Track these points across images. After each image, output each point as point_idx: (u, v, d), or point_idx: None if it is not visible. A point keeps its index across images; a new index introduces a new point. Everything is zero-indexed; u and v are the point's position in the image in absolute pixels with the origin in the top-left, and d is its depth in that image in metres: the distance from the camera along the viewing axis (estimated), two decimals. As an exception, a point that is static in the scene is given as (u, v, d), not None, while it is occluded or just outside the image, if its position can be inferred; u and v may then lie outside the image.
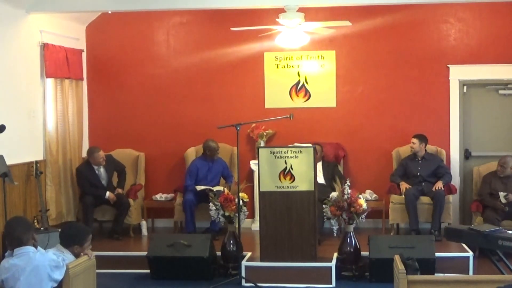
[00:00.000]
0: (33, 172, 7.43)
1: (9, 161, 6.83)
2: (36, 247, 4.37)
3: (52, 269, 4.31)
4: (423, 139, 8.11)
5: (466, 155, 8.66)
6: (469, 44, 8.54)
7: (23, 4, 7.39)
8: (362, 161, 8.69)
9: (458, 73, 8.54)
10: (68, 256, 4.59)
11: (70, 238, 4.68)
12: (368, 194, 8.31)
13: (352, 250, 6.82)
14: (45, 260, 4.30)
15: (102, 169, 8.15)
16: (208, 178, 8.20)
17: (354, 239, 6.83)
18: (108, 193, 8.01)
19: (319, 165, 8.08)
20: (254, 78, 8.80)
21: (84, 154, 8.41)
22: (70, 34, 8.54)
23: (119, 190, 8.19)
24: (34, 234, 4.41)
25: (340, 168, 8.58)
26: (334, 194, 6.98)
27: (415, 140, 8.08)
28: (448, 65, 8.53)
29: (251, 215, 8.25)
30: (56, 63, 7.92)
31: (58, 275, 4.33)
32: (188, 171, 8.29)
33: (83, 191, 8.08)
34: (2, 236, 4.49)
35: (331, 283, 6.62)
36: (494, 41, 8.48)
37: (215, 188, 7.94)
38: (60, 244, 4.67)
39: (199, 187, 8.06)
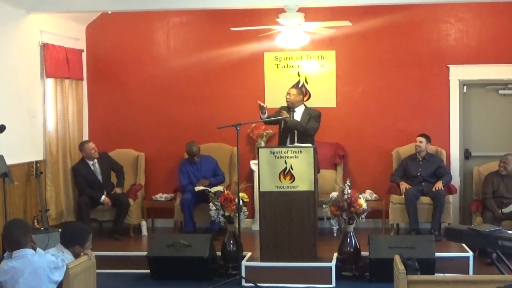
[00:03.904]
0: (33, 172, 7.44)
1: (9, 161, 6.83)
2: (35, 249, 4.36)
3: (51, 271, 4.31)
4: (428, 138, 8.12)
5: (466, 155, 8.66)
6: (469, 44, 8.55)
7: (23, 4, 7.39)
8: (362, 161, 8.69)
9: (458, 73, 8.54)
10: (68, 257, 4.58)
11: (72, 238, 4.68)
12: (368, 194, 8.31)
13: (352, 250, 6.82)
14: (43, 262, 4.30)
15: (97, 165, 8.17)
16: (198, 178, 8.23)
17: (354, 239, 6.84)
18: (103, 197, 8.02)
19: (301, 109, 7.53)
20: (254, 78, 8.80)
21: (84, 154, 8.44)
22: (70, 34, 8.55)
23: (118, 190, 8.20)
24: (32, 236, 4.40)
25: (340, 167, 8.58)
26: (334, 194, 6.98)
27: (422, 139, 8.07)
28: (448, 65, 8.54)
29: (251, 215, 8.25)
30: (56, 63, 7.92)
31: (58, 276, 4.33)
32: (179, 171, 8.33)
33: (80, 190, 8.09)
34: (1, 237, 4.48)
35: (331, 283, 6.62)
36: (494, 41, 8.48)
37: (214, 189, 7.94)
38: (60, 244, 4.67)
39: (198, 188, 8.07)
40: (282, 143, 7.39)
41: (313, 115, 7.48)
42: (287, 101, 7.49)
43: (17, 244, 4.29)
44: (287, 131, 7.37)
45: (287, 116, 7.32)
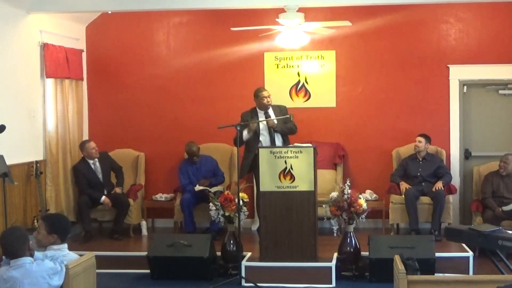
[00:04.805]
0: (33, 172, 7.44)
1: (9, 161, 6.83)
2: (32, 256, 4.35)
3: (51, 277, 4.30)
4: (428, 138, 8.12)
5: (466, 155, 8.66)
6: (469, 44, 8.55)
7: (23, 4, 7.39)
8: (362, 161, 8.69)
9: (458, 73, 8.54)
10: (72, 255, 4.55)
11: (67, 230, 4.67)
12: (368, 194, 8.30)
13: (352, 250, 6.82)
14: (42, 270, 4.29)
15: (97, 164, 8.17)
16: (198, 178, 8.23)
17: (354, 239, 6.83)
18: (104, 197, 8.02)
19: (271, 113, 7.61)
20: (254, 78, 8.79)
21: (84, 154, 8.45)
22: (70, 34, 8.54)
23: (118, 190, 8.20)
24: (29, 245, 4.38)
25: (340, 167, 8.58)
26: (334, 194, 6.98)
27: (421, 139, 8.08)
28: (448, 65, 8.54)
29: (251, 215, 8.25)
30: (56, 63, 7.92)
31: (57, 281, 4.32)
32: (179, 172, 8.35)
33: (81, 190, 8.09)
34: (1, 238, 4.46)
35: (331, 283, 6.62)
36: (494, 41, 8.48)
37: (214, 189, 7.94)
38: (60, 240, 4.59)
39: (198, 188, 8.07)
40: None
41: (284, 112, 7.56)
42: (267, 105, 7.49)
43: (15, 254, 4.28)
44: (269, 136, 7.44)
45: (274, 121, 7.38)
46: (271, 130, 7.46)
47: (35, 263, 4.29)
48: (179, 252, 6.86)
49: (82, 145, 8.20)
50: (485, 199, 7.73)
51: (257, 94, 7.58)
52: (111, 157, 8.46)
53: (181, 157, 8.64)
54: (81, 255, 4.67)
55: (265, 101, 7.53)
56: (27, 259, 4.27)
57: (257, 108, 7.60)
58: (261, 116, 7.55)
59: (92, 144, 8.14)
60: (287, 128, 7.54)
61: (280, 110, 7.62)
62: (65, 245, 4.59)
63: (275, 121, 7.45)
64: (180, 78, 8.97)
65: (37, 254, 4.40)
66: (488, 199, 7.68)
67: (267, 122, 7.41)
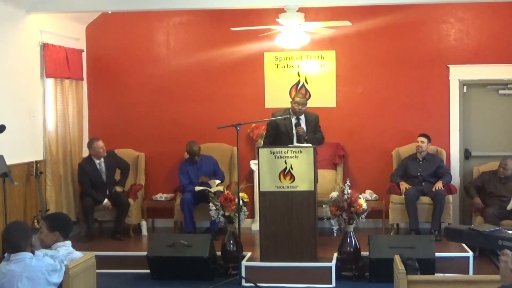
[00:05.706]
0: (33, 172, 7.44)
1: (9, 161, 6.83)
2: (33, 252, 4.35)
3: (50, 274, 4.30)
4: (429, 138, 8.13)
5: (466, 155, 8.66)
6: (469, 44, 8.55)
7: (23, 4, 7.40)
8: (362, 161, 8.69)
9: (458, 73, 8.54)
10: (76, 253, 4.55)
11: (69, 227, 4.68)
12: (368, 194, 8.31)
13: (352, 250, 6.82)
14: (41, 266, 4.29)
15: (103, 164, 8.15)
16: (198, 178, 8.24)
17: (354, 239, 6.84)
18: (106, 200, 8.02)
19: (303, 118, 7.33)
20: (254, 78, 8.80)
21: (85, 154, 8.44)
22: (70, 34, 8.55)
23: (118, 189, 8.19)
24: (32, 239, 4.38)
25: (340, 167, 8.58)
26: (334, 194, 6.98)
27: (423, 139, 8.08)
28: (448, 65, 8.54)
29: (251, 215, 8.25)
30: (56, 63, 7.92)
31: (56, 278, 4.32)
32: (179, 171, 8.35)
33: (83, 190, 8.08)
34: (1, 239, 4.46)
35: (331, 283, 6.62)
36: (494, 41, 8.49)
37: (214, 189, 7.95)
38: (62, 237, 4.59)
39: (198, 188, 8.07)
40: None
41: (316, 121, 7.37)
42: (297, 111, 7.21)
43: (17, 248, 4.28)
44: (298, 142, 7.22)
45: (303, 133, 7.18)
46: (301, 138, 7.17)
47: (34, 259, 4.29)
48: (179, 252, 6.86)
49: (90, 143, 8.17)
50: (466, 187, 7.97)
51: (293, 98, 7.43)
52: (117, 155, 8.39)
53: (181, 157, 8.64)
54: (81, 255, 4.68)
55: (296, 107, 7.21)
56: (27, 254, 4.27)
57: (290, 110, 7.29)
58: (293, 120, 7.27)
59: (100, 143, 8.10)
60: (316, 139, 7.27)
61: (310, 118, 7.34)
62: (69, 242, 4.59)
63: (305, 129, 7.22)
64: (180, 78, 8.97)
65: (37, 252, 4.41)
66: (470, 188, 7.88)
67: (297, 131, 7.21)
